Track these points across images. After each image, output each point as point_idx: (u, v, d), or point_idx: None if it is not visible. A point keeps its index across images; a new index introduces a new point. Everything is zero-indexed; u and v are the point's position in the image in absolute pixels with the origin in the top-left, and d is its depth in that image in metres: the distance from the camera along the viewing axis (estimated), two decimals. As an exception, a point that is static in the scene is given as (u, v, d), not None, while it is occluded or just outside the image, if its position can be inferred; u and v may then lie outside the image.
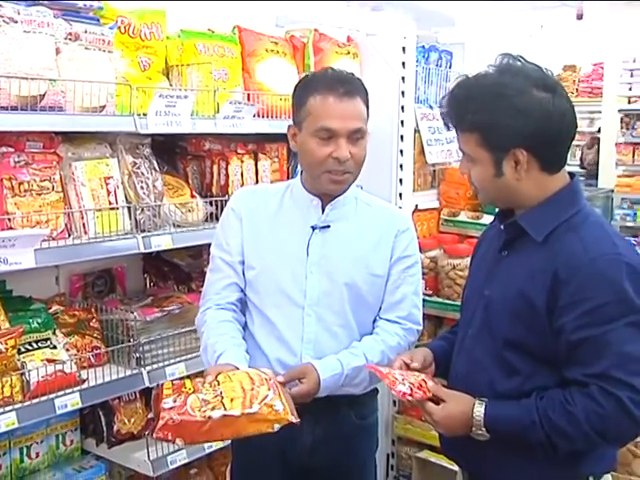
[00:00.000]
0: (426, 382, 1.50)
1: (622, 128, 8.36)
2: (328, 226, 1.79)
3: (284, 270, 1.78)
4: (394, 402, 2.94)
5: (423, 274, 2.77)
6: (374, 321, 1.85)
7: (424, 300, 2.71)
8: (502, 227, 1.57)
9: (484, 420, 1.44)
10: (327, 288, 1.77)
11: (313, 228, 1.79)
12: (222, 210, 1.98)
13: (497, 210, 1.65)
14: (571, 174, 1.54)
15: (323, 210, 1.81)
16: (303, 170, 1.85)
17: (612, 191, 8.41)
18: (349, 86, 1.73)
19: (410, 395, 1.46)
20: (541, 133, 1.42)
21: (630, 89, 8.37)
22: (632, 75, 8.40)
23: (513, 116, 1.40)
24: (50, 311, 2.10)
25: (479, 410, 1.45)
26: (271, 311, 1.79)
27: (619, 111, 8.25)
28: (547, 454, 1.41)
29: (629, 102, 8.35)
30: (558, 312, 1.40)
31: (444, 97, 1.54)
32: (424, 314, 2.76)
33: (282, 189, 1.88)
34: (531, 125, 1.41)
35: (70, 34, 1.95)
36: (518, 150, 1.43)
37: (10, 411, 1.83)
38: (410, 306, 1.85)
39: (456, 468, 1.71)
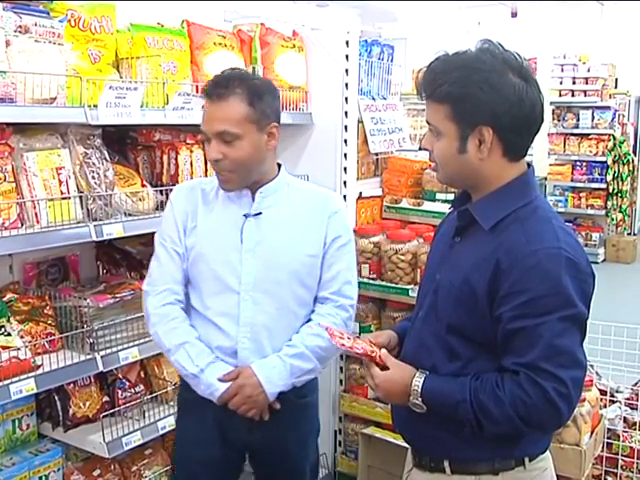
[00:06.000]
0: (379, 351, 1.56)
1: (554, 119, 8.74)
2: (260, 213, 1.86)
3: (218, 258, 1.85)
4: (340, 381, 3.05)
5: (367, 259, 2.92)
6: (315, 299, 1.94)
7: (368, 284, 2.88)
8: (456, 213, 1.59)
9: (421, 390, 1.49)
10: (262, 273, 1.84)
11: (246, 216, 1.86)
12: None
13: (454, 196, 1.67)
14: (528, 164, 1.53)
15: (254, 199, 1.88)
16: None
17: (545, 179, 8.81)
18: (221, 89, 1.77)
19: (350, 348, 1.55)
20: (511, 116, 1.42)
21: (561, 83, 8.79)
22: (562, 70, 8.82)
23: (486, 92, 1.40)
24: (4, 299, 2.12)
25: (418, 380, 1.50)
26: (207, 299, 1.86)
27: (551, 103, 8.60)
28: (474, 432, 1.46)
29: (560, 95, 8.74)
30: (498, 302, 1.42)
31: (421, 69, 1.52)
32: (368, 297, 2.93)
33: (216, 183, 1.92)
34: (503, 105, 1.41)
35: (20, 27, 1.96)
36: (485, 128, 1.43)
37: (-34, 397, 1.84)
38: (342, 282, 1.94)
39: (399, 442, 1.77)
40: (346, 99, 2.89)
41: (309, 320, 1.92)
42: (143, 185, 2.37)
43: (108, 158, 2.27)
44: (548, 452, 1.61)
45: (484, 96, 1.41)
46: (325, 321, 1.88)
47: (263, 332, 1.84)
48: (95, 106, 2.08)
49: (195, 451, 1.94)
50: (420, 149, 1.59)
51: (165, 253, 1.90)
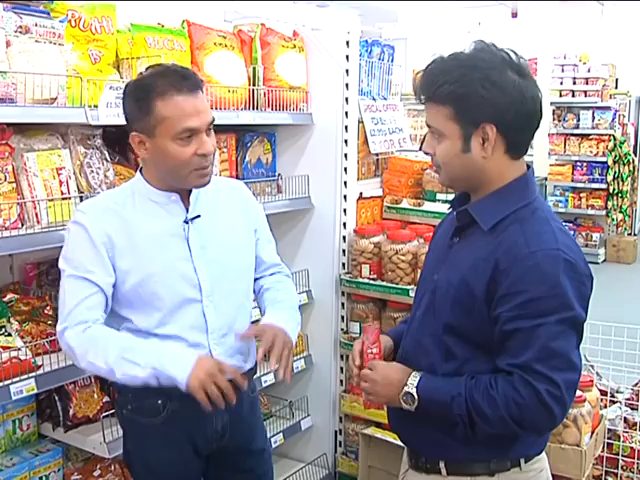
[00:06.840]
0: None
1: (554, 120, 8.74)
2: (198, 216, 1.79)
3: (171, 273, 1.74)
4: (340, 381, 3.05)
5: (368, 259, 2.92)
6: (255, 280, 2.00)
7: (368, 284, 2.88)
8: (455, 214, 1.58)
9: (417, 384, 1.50)
10: (216, 275, 1.80)
11: (186, 222, 1.77)
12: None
13: (453, 197, 1.66)
14: (527, 165, 1.54)
15: (183, 203, 1.78)
16: (163, 173, 1.75)
17: (545, 179, 8.81)
18: (192, 80, 1.69)
19: (376, 338, 1.65)
20: (513, 112, 1.42)
21: (561, 83, 8.79)
22: (563, 70, 8.82)
23: (488, 89, 1.40)
24: (4, 300, 2.12)
25: (414, 378, 1.52)
26: (167, 317, 1.75)
27: (551, 104, 8.61)
28: (466, 432, 1.47)
29: (560, 95, 8.74)
30: (495, 302, 1.42)
31: (418, 73, 1.52)
32: (369, 297, 2.93)
33: (128, 196, 1.78)
34: (505, 101, 1.41)
35: (20, 27, 1.96)
36: (488, 125, 1.43)
37: (-33, 397, 1.84)
38: (279, 259, 2.07)
39: (400, 443, 1.75)
40: (346, 99, 2.90)
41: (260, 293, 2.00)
42: (143, 185, 2.37)
43: (108, 158, 2.28)
44: (544, 453, 1.61)
45: (486, 93, 1.41)
46: (285, 285, 2.02)
47: (228, 334, 1.83)
48: (95, 106, 2.08)
49: (169, 471, 1.86)
50: (423, 152, 1.59)
51: (82, 286, 1.69)
